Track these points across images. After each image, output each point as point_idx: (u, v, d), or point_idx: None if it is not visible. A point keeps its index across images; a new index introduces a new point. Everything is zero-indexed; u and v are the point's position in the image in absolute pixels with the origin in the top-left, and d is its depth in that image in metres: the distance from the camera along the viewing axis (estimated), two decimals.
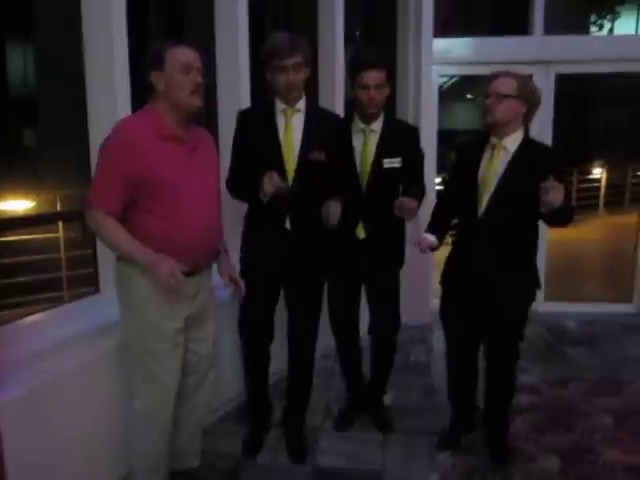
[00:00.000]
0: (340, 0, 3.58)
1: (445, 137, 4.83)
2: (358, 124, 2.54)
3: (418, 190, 2.49)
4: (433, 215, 2.59)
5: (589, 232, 8.73)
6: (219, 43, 2.97)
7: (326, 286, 2.65)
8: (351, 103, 2.60)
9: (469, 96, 11.70)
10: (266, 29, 3.54)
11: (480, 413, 2.67)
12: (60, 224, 4.81)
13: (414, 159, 2.59)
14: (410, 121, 4.02)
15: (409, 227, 2.69)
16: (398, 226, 2.62)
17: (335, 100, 3.62)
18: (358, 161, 2.53)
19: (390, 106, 3.34)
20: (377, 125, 2.53)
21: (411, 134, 2.63)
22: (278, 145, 2.37)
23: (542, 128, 4.14)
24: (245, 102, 2.94)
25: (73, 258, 4.82)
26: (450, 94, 9.23)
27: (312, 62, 2.44)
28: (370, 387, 2.89)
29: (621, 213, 10.46)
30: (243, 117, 2.49)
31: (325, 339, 2.74)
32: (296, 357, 2.62)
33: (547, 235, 4.22)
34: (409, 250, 2.72)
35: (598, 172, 11.24)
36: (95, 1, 2.26)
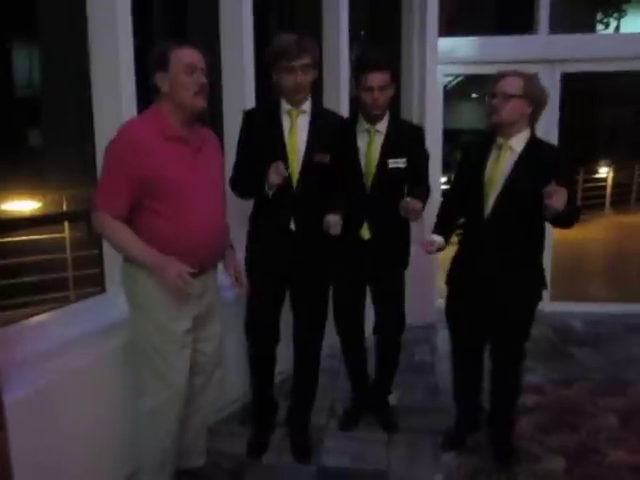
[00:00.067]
0: None
1: (450, 137, 4.82)
2: (363, 124, 2.53)
3: (423, 190, 2.48)
4: (439, 215, 2.58)
5: (595, 231, 8.70)
6: (224, 43, 2.97)
7: (331, 287, 2.65)
8: (356, 103, 2.60)
9: (474, 95, 11.68)
10: (271, 29, 3.54)
11: (485, 413, 2.67)
12: (66, 224, 4.83)
13: (419, 159, 2.58)
14: (415, 121, 4.02)
15: (414, 227, 2.69)
16: (403, 226, 2.62)
17: (340, 100, 3.62)
18: (363, 161, 2.52)
19: (395, 106, 3.33)
20: (382, 125, 2.52)
21: (416, 134, 2.62)
22: (283, 146, 2.38)
23: (548, 127, 4.12)
24: (250, 102, 2.95)
25: (79, 258, 4.83)
26: (455, 93, 9.21)
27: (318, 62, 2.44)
28: (375, 387, 2.89)
29: (627, 212, 10.44)
30: (248, 117, 2.49)
31: (330, 338, 2.74)
32: (302, 357, 2.62)
33: (553, 235, 4.21)
34: (414, 250, 2.71)
35: (604, 171, 11.20)
36: (100, 1, 2.26)
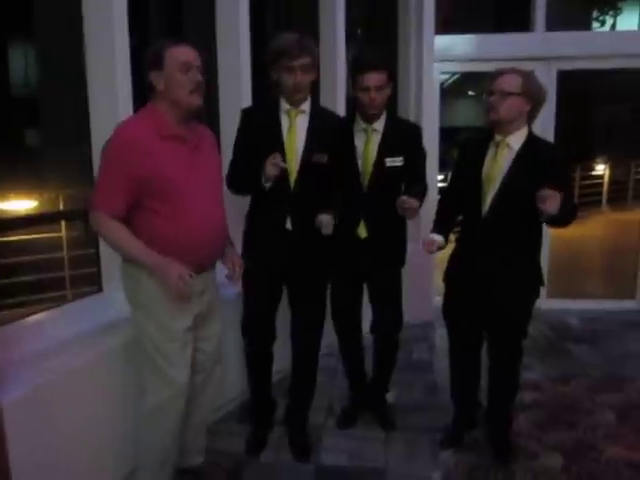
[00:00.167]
0: None
1: (447, 134, 4.83)
2: (360, 123, 2.53)
3: (420, 189, 2.48)
4: (438, 214, 2.59)
5: (592, 229, 8.72)
6: (220, 42, 2.97)
7: (329, 286, 2.65)
8: (353, 102, 2.60)
9: (471, 93, 11.68)
10: (267, 28, 3.54)
11: (482, 410, 2.67)
12: (63, 223, 4.82)
13: (416, 158, 2.58)
14: (412, 119, 4.02)
15: (410, 225, 2.69)
16: (399, 225, 2.62)
17: (336, 99, 3.62)
18: (360, 160, 2.52)
19: (392, 104, 3.33)
20: (379, 124, 2.52)
21: (413, 133, 2.63)
22: (281, 145, 2.37)
23: (544, 125, 4.12)
24: (246, 102, 2.94)
25: (76, 257, 4.83)
26: (452, 91, 9.22)
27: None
28: (373, 385, 2.89)
29: (624, 209, 10.45)
30: (246, 115, 2.49)
31: (328, 336, 2.74)
32: (300, 356, 2.62)
33: (550, 232, 4.22)
34: (410, 248, 2.72)
35: (601, 168, 11.22)
36: (96, 1, 2.26)
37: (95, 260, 2.54)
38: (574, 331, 4.22)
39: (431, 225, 2.56)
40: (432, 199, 2.89)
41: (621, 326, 4.28)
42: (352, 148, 2.53)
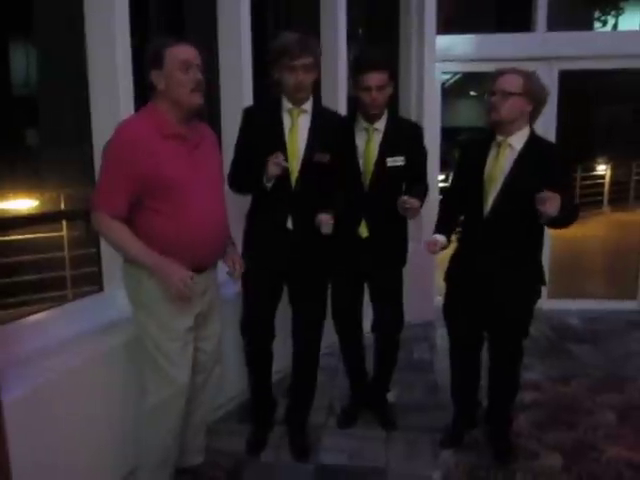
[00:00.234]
0: None
1: (448, 134, 4.83)
2: (361, 123, 2.53)
3: (421, 189, 2.49)
4: (440, 215, 2.58)
5: (593, 229, 8.72)
6: (222, 42, 2.97)
7: (329, 285, 2.65)
8: (354, 102, 2.60)
9: (472, 93, 11.67)
10: (269, 28, 3.54)
11: (482, 410, 2.67)
12: (64, 223, 4.82)
13: (417, 157, 2.58)
14: (413, 119, 4.02)
15: (411, 225, 2.69)
16: (400, 224, 2.62)
17: (338, 98, 3.62)
18: (361, 160, 2.52)
19: (393, 104, 3.33)
20: (381, 124, 2.52)
21: (415, 132, 2.63)
22: (283, 144, 2.37)
23: (546, 125, 4.12)
24: (248, 101, 2.95)
25: (77, 257, 4.83)
26: (453, 91, 9.20)
27: None
28: (374, 385, 2.89)
29: (625, 210, 10.44)
30: (248, 115, 2.48)
31: (329, 336, 2.75)
32: (300, 355, 2.62)
33: (551, 232, 4.21)
34: (412, 248, 2.72)
35: (602, 169, 11.21)
36: (97, 0, 2.26)
37: (96, 260, 2.54)
38: (575, 331, 4.22)
39: (432, 225, 2.56)
40: (433, 199, 2.89)
41: (622, 326, 4.27)
42: (353, 148, 2.53)
